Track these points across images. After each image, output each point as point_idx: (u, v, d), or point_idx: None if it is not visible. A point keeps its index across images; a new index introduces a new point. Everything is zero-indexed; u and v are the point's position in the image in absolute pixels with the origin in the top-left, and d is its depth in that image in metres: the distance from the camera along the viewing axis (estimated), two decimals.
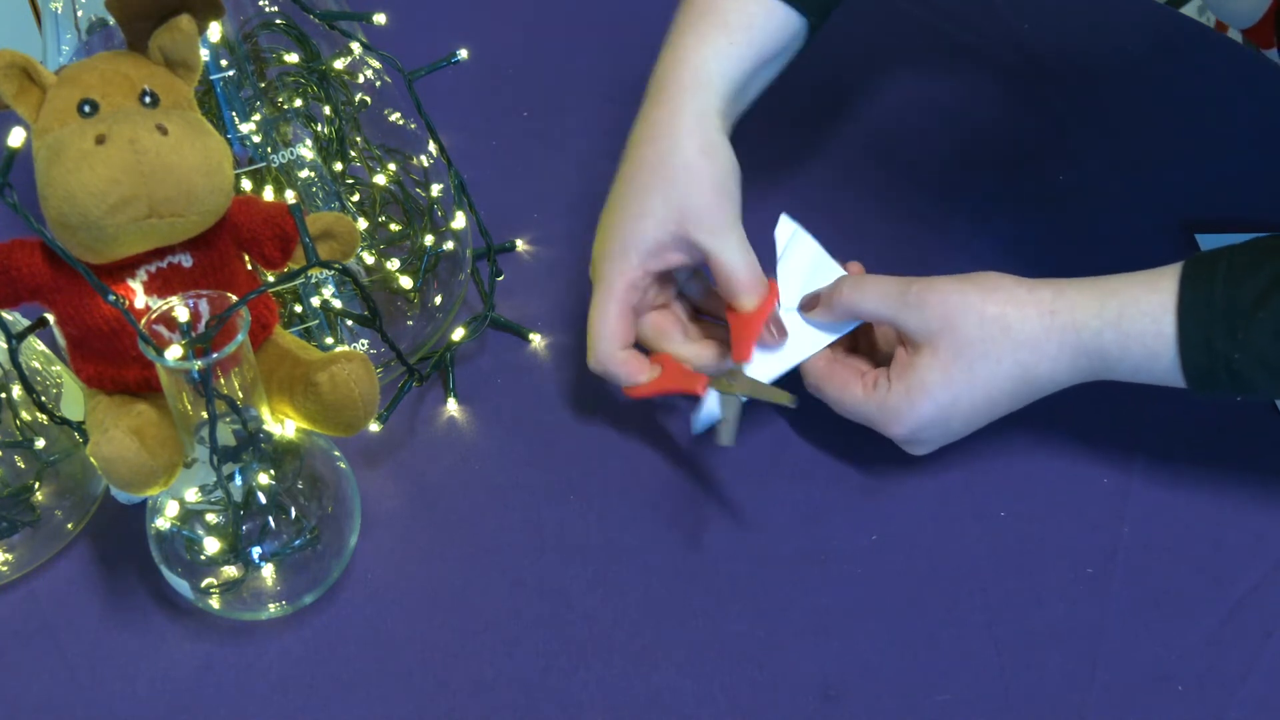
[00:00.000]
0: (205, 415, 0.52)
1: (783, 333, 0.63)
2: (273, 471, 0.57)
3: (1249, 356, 0.54)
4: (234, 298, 0.52)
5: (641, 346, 0.65)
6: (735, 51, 0.65)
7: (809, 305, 0.64)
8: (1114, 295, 0.57)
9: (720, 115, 0.65)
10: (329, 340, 0.69)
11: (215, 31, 0.64)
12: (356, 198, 0.74)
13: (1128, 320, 0.56)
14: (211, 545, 0.56)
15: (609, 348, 0.63)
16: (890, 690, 0.57)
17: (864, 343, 0.66)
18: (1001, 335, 0.58)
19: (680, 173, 0.62)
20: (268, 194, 0.67)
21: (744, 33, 0.65)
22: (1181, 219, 0.79)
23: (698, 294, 0.68)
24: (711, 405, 0.62)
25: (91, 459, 0.54)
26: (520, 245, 0.80)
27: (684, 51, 0.65)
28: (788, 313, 0.64)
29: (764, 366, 0.63)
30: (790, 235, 0.67)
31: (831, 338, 0.64)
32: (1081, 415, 0.67)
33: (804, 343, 0.64)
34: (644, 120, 0.65)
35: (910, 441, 0.61)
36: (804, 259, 0.66)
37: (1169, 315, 0.56)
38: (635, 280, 0.63)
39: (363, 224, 0.72)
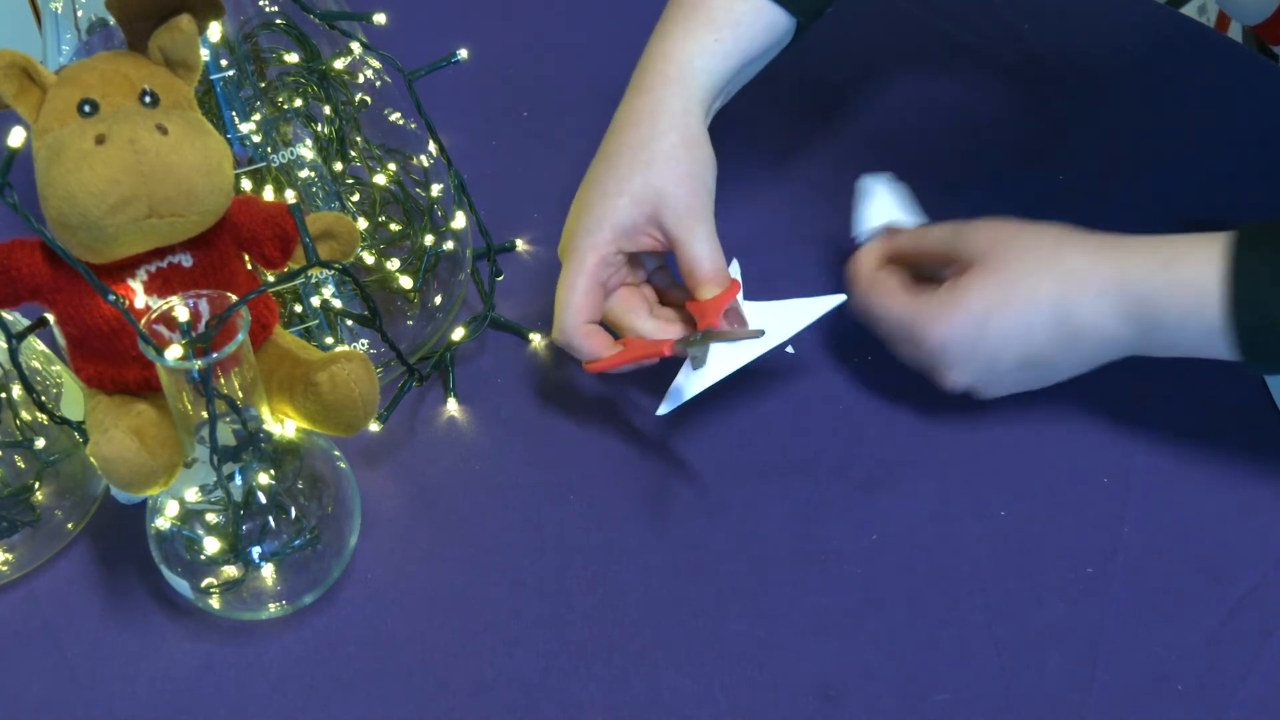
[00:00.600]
0: (205, 415, 0.52)
1: (742, 323, 0.64)
2: (273, 471, 0.57)
3: None
4: (234, 298, 0.52)
5: (606, 328, 0.65)
6: (721, 50, 0.66)
7: (868, 256, 0.66)
8: (1166, 244, 0.57)
9: (702, 110, 0.66)
10: (329, 340, 0.69)
11: (215, 31, 0.64)
12: (356, 198, 0.74)
13: (1176, 266, 0.56)
14: (211, 545, 0.56)
15: (575, 320, 0.63)
16: (890, 690, 0.57)
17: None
18: (1049, 260, 0.58)
19: (659, 160, 0.63)
20: (268, 194, 0.67)
21: (730, 30, 0.66)
22: (1182, 219, 0.79)
23: (663, 285, 0.68)
24: (680, 384, 0.63)
25: (91, 459, 0.54)
26: (520, 245, 0.80)
27: (670, 45, 0.66)
28: (753, 304, 0.65)
29: (723, 361, 0.62)
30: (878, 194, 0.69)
31: (788, 334, 0.64)
32: (1081, 415, 0.67)
33: (770, 334, 0.63)
34: (627, 107, 0.67)
35: (940, 356, 0.60)
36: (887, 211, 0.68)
37: (1216, 268, 0.55)
38: (607, 256, 0.64)
39: (363, 224, 0.72)
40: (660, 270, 0.69)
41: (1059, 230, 0.60)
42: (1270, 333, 0.54)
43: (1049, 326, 0.58)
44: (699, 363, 0.60)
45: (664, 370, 0.71)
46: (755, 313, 0.65)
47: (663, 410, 0.63)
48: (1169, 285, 0.56)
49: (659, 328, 0.65)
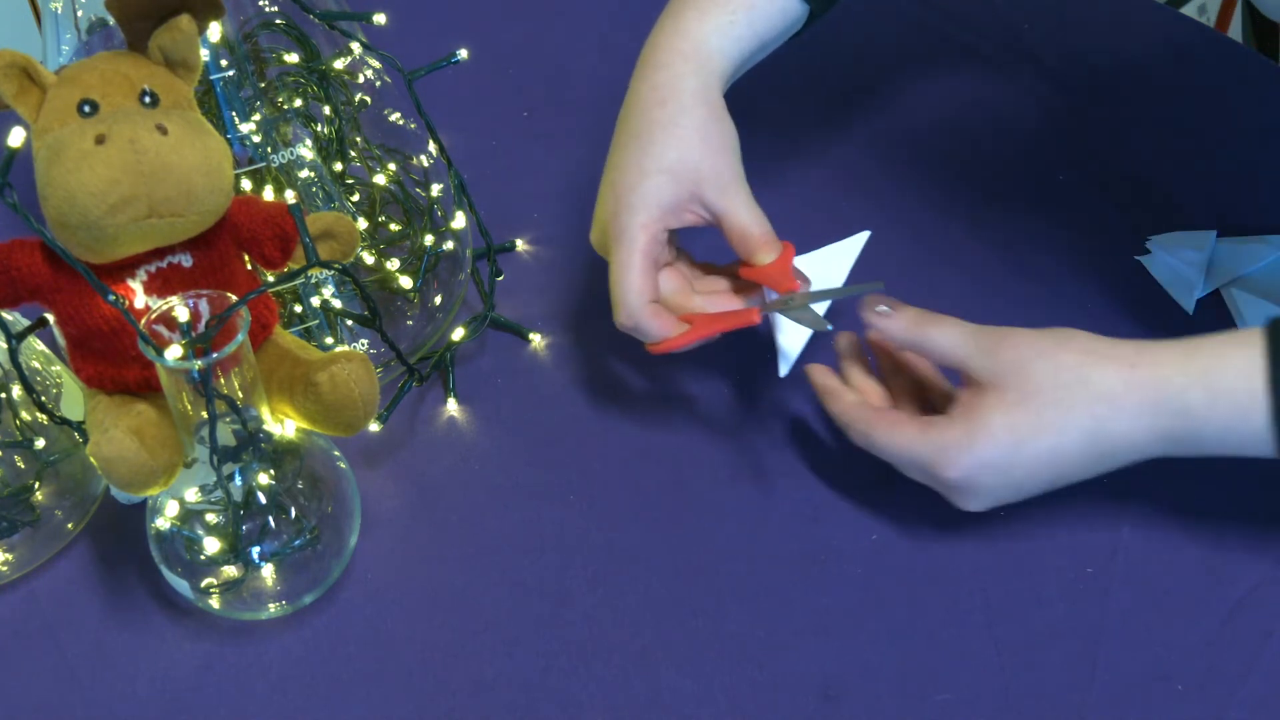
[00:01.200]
0: (205, 415, 0.52)
1: (805, 280, 0.63)
2: (273, 471, 0.57)
3: None
4: (234, 298, 0.52)
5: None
6: (734, 31, 0.65)
7: (878, 311, 0.61)
8: (1199, 351, 0.54)
9: (720, 86, 0.65)
10: (329, 340, 0.69)
11: (215, 31, 0.64)
12: (356, 198, 0.74)
13: (1215, 375, 0.53)
14: (211, 545, 0.56)
15: (639, 300, 0.62)
16: (890, 690, 0.57)
17: (904, 392, 0.63)
18: (1077, 385, 0.54)
19: (692, 135, 0.62)
20: (268, 194, 0.67)
21: (745, 12, 0.65)
22: (1182, 219, 0.79)
23: (692, 262, 0.68)
24: (785, 342, 0.64)
25: (91, 459, 0.54)
26: (520, 245, 0.80)
27: (685, 24, 0.65)
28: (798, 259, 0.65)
29: (794, 333, 0.64)
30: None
31: (843, 278, 0.65)
32: None
33: (832, 280, 0.65)
34: (645, 83, 0.65)
35: (965, 489, 0.57)
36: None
37: (1259, 372, 0.52)
38: (656, 235, 0.62)
39: (363, 224, 0.72)
40: (680, 256, 0.68)
41: (1082, 343, 0.56)
42: None
43: (1082, 450, 0.55)
44: (805, 319, 0.60)
45: (664, 373, 0.71)
46: (804, 266, 0.65)
47: (784, 371, 0.64)
48: (1208, 397, 0.53)
49: (708, 302, 0.64)
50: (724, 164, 0.62)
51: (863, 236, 0.67)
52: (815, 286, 0.65)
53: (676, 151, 0.62)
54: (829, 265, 0.66)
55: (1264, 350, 0.52)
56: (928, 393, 0.63)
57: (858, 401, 0.61)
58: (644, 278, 0.62)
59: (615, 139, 0.66)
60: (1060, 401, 0.54)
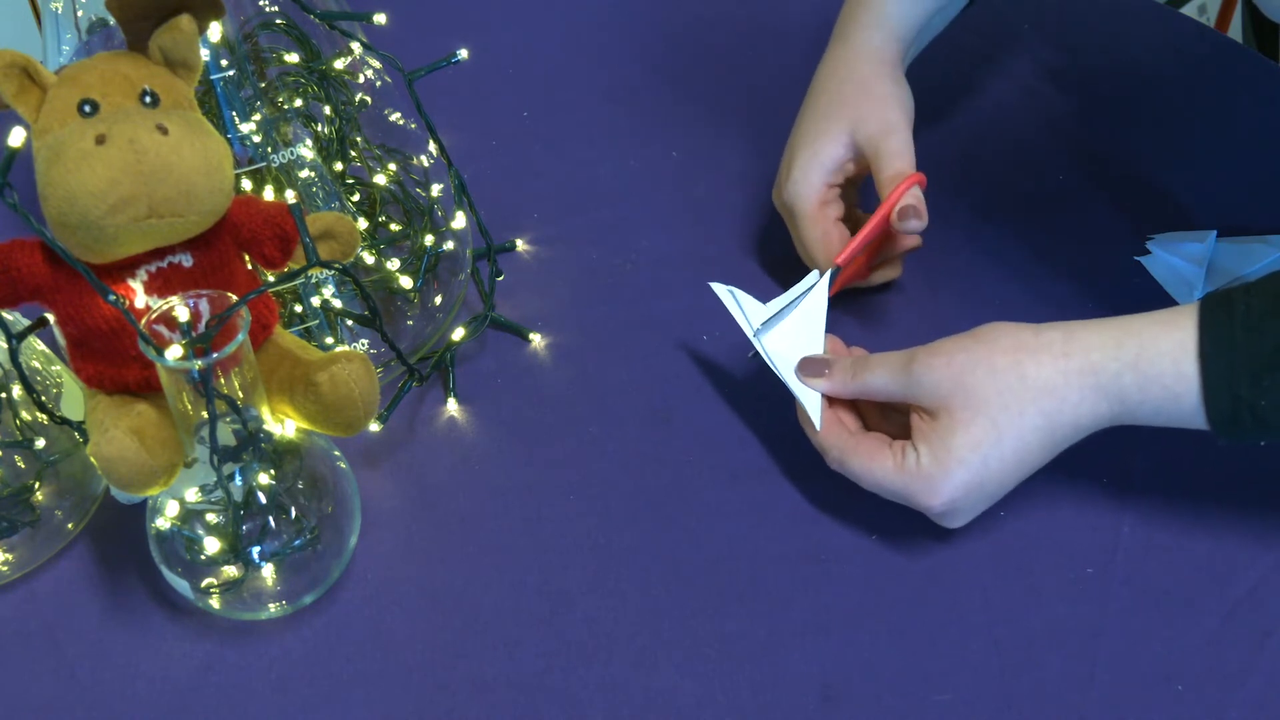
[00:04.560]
0: (205, 415, 0.52)
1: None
2: (273, 471, 0.57)
3: (1274, 402, 0.52)
4: (234, 298, 0.52)
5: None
6: None
7: (814, 371, 0.63)
8: (1130, 335, 0.55)
9: (898, 49, 0.73)
10: (329, 340, 0.69)
11: (215, 31, 0.64)
12: (356, 198, 0.74)
13: (1146, 361, 0.54)
14: (211, 545, 0.56)
15: (823, 256, 0.71)
16: (890, 690, 0.57)
17: (872, 415, 0.64)
18: (1019, 384, 0.56)
19: (878, 100, 0.71)
20: (268, 194, 0.67)
21: None
22: (1182, 219, 0.79)
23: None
24: (743, 321, 0.66)
25: (91, 459, 0.54)
26: (520, 245, 0.80)
27: None
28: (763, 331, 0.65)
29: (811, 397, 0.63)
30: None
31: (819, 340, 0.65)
32: None
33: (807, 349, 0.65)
34: (830, 56, 0.74)
35: (947, 513, 0.58)
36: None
37: (1189, 357, 0.53)
38: (827, 196, 0.72)
39: (363, 224, 0.72)
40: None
41: (1010, 339, 0.57)
42: (1247, 416, 0.53)
43: (1040, 443, 0.57)
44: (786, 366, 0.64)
45: (663, 373, 0.71)
46: (776, 339, 0.65)
47: (718, 287, 0.66)
48: (1140, 381, 0.55)
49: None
50: (900, 120, 0.70)
51: (822, 279, 0.67)
52: (796, 352, 0.65)
53: (857, 116, 0.71)
54: (806, 325, 0.66)
55: (1194, 336, 0.54)
56: (891, 409, 0.63)
57: (834, 428, 0.62)
58: (820, 231, 0.71)
59: (804, 106, 0.75)
60: (1008, 406, 0.56)
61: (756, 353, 0.65)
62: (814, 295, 0.67)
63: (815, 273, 0.69)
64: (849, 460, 0.60)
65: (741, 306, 0.65)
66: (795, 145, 0.73)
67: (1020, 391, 0.56)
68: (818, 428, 0.62)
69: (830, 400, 0.63)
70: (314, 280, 0.69)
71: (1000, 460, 0.57)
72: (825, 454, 0.62)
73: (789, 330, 0.65)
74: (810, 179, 0.71)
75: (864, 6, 0.73)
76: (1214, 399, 0.53)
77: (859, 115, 0.71)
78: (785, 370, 0.63)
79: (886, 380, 0.60)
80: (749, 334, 0.64)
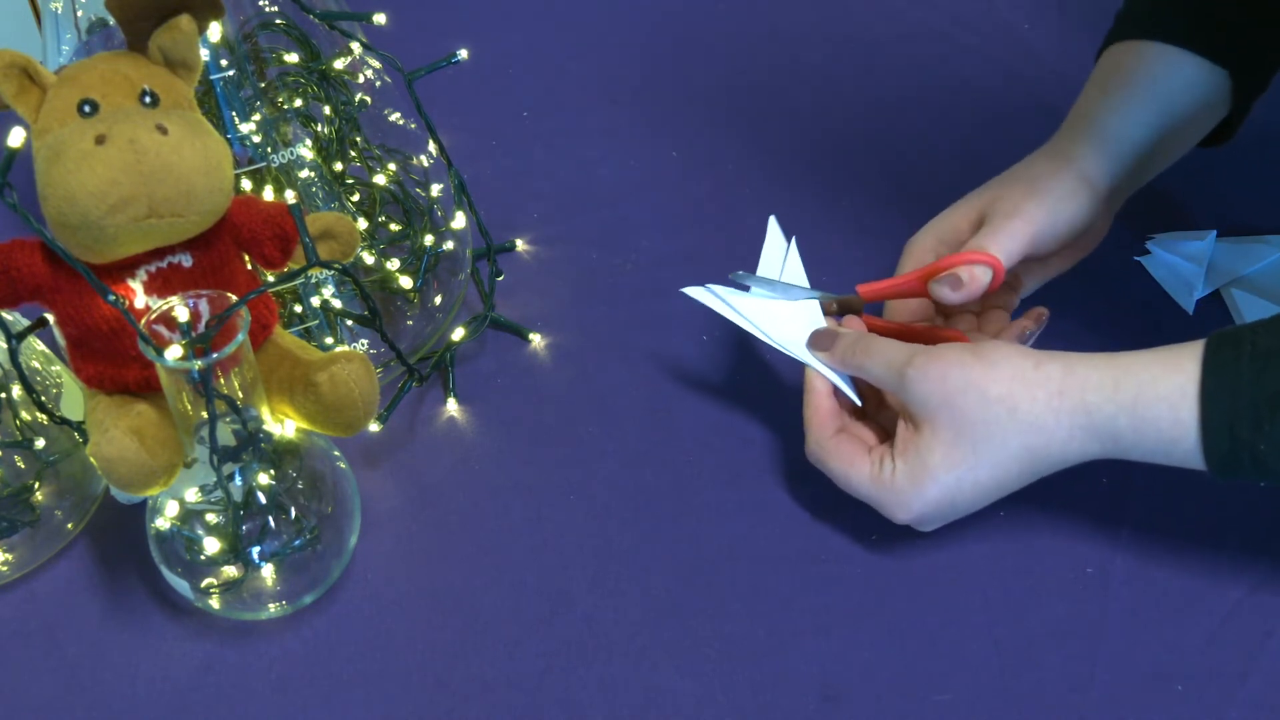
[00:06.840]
0: (205, 415, 0.52)
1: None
2: (273, 471, 0.57)
3: (1275, 447, 0.51)
4: (234, 298, 0.52)
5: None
6: (1127, 107, 0.68)
7: (821, 345, 0.63)
8: (1129, 375, 0.54)
9: (1098, 158, 0.67)
10: (329, 340, 0.69)
11: (215, 31, 0.64)
12: (356, 198, 0.74)
13: (1144, 405, 0.53)
14: (211, 545, 0.56)
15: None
16: (890, 690, 0.57)
17: (870, 400, 0.64)
18: (1007, 417, 0.55)
19: (1031, 192, 0.65)
20: (268, 194, 0.67)
21: (1146, 87, 0.68)
22: (1182, 219, 0.79)
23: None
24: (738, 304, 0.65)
25: (91, 459, 0.54)
26: (520, 245, 0.80)
27: (1083, 102, 0.70)
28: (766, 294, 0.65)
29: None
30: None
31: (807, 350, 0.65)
32: None
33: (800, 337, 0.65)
34: (1031, 159, 0.69)
35: (917, 526, 0.59)
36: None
37: (1189, 402, 0.52)
38: (919, 257, 0.68)
39: (363, 224, 0.72)
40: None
41: (1010, 368, 0.56)
42: (1246, 459, 0.52)
43: (1020, 472, 0.57)
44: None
45: (663, 373, 0.71)
46: (770, 318, 0.65)
47: (692, 290, 0.65)
48: (1135, 424, 0.54)
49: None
50: (1020, 204, 0.64)
51: (778, 242, 0.68)
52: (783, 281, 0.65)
53: (993, 189, 0.67)
54: (799, 319, 0.66)
55: (1195, 380, 0.52)
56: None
57: (823, 418, 0.62)
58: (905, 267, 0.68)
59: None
60: (992, 436, 0.56)
61: (751, 335, 0.64)
62: (789, 262, 0.67)
63: (778, 232, 0.68)
64: (828, 460, 0.61)
65: (724, 299, 0.65)
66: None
67: (1007, 425, 0.55)
68: (845, 392, 0.62)
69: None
70: (314, 280, 0.69)
71: (975, 484, 0.57)
72: (806, 444, 0.62)
73: (779, 307, 0.65)
74: (927, 231, 0.68)
75: (1077, 113, 0.69)
76: (1213, 440, 0.52)
77: (1002, 194, 0.66)
78: (794, 347, 0.63)
79: (881, 373, 0.59)
80: (743, 325, 0.64)
